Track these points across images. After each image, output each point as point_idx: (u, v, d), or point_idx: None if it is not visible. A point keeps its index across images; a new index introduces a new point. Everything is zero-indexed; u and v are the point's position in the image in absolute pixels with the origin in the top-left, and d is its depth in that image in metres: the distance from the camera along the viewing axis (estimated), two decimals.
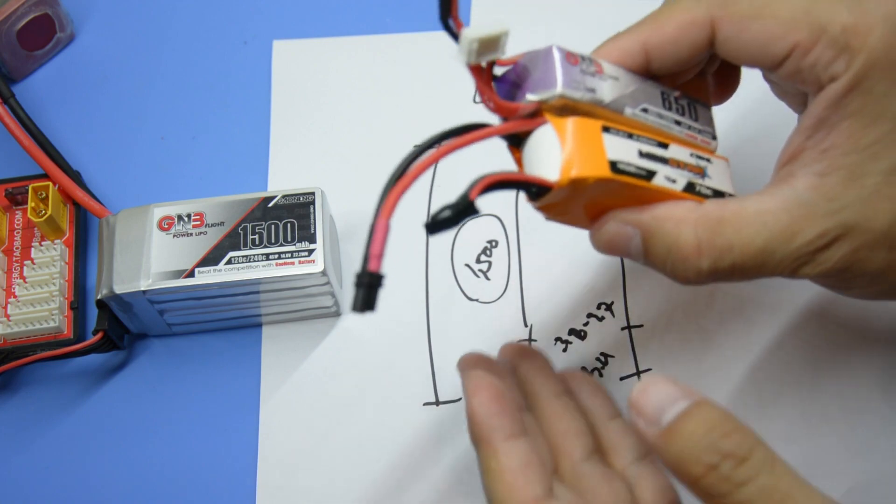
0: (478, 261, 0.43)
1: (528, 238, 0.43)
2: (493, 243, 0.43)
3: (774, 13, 0.29)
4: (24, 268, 0.41)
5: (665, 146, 0.30)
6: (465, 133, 0.30)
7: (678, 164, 0.30)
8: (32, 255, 0.42)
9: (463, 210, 0.28)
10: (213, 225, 0.39)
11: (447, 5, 0.27)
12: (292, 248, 0.38)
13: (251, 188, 0.43)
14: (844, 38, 0.28)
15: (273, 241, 0.38)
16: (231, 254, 0.38)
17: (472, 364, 0.33)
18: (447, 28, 0.28)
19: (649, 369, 0.40)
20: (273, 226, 0.39)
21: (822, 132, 0.29)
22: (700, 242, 0.29)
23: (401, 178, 0.29)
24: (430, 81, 0.47)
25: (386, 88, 0.47)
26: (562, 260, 0.42)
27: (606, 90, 0.29)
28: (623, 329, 0.41)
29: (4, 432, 0.40)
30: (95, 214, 0.42)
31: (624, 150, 0.29)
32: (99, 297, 0.38)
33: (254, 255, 0.38)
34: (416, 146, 0.29)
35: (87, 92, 0.48)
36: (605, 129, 0.29)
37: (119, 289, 0.38)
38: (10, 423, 0.40)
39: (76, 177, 0.44)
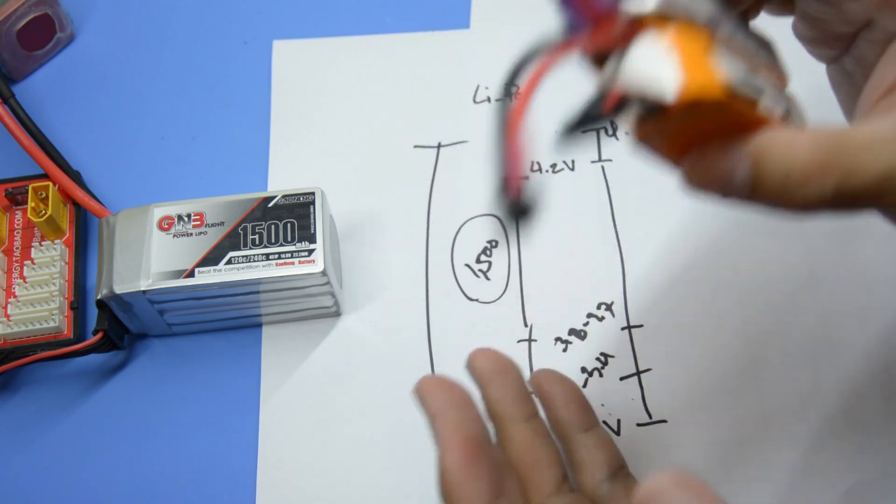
0: (478, 261, 0.43)
1: (528, 238, 0.43)
2: (493, 243, 0.43)
3: None
4: (24, 268, 0.41)
5: (757, 71, 0.27)
6: (555, 49, 0.26)
7: (776, 90, 0.27)
8: (32, 255, 0.42)
9: (594, 117, 0.25)
10: (213, 225, 0.39)
11: None
12: (292, 248, 0.38)
13: (251, 188, 0.43)
14: None
15: (273, 241, 0.38)
16: (231, 254, 0.38)
17: (434, 392, 0.31)
18: None
19: (649, 369, 0.40)
20: (273, 226, 0.39)
21: None
22: (824, 163, 0.25)
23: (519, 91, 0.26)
24: (430, 81, 0.47)
25: (386, 88, 0.47)
26: (562, 260, 0.42)
27: (701, 4, 0.25)
28: (623, 329, 0.41)
29: (4, 432, 0.40)
30: (95, 214, 0.42)
31: (734, 70, 0.25)
32: (99, 297, 0.38)
33: (254, 255, 0.38)
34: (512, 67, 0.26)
35: (87, 92, 0.48)
36: (712, 47, 0.25)
37: (119, 289, 0.38)
38: (10, 423, 0.40)
39: (76, 177, 0.44)
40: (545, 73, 0.26)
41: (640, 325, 0.41)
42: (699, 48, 0.25)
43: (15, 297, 0.41)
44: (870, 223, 0.32)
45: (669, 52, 0.24)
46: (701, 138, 0.26)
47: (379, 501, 0.38)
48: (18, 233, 0.43)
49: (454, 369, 0.40)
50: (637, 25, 0.25)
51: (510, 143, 0.25)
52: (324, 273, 0.38)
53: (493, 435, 0.33)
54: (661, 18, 0.25)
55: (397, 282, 0.42)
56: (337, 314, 0.42)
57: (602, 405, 0.39)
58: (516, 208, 0.25)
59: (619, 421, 0.39)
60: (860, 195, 0.26)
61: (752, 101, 0.25)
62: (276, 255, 0.38)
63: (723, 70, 0.24)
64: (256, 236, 0.38)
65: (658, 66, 0.24)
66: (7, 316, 0.40)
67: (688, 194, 0.28)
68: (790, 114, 0.27)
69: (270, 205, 0.39)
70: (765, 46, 0.29)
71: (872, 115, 0.27)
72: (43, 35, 0.48)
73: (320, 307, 0.41)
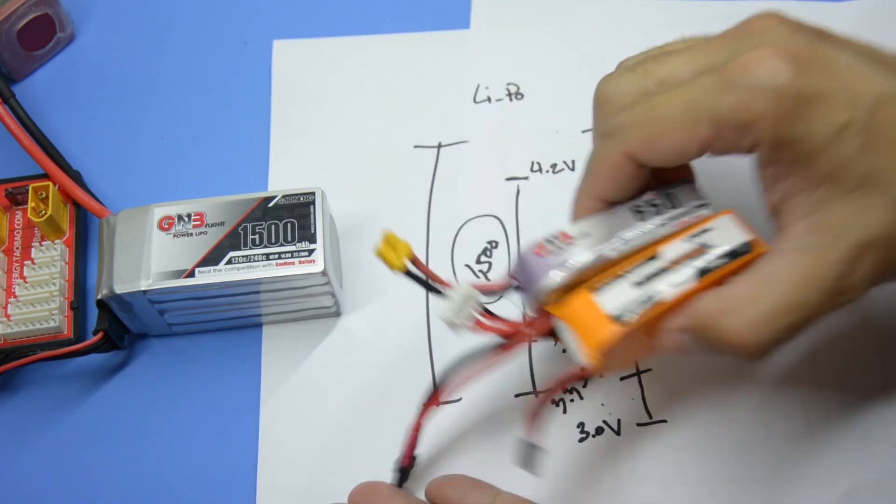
0: (478, 261, 0.43)
1: (528, 238, 0.43)
2: (493, 243, 0.43)
3: (670, 127, 0.31)
4: (24, 268, 0.41)
5: (655, 256, 0.32)
6: (501, 349, 0.33)
7: (677, 262, 0.31)
8: (32, 255, 0.42)
9: (531, 457, 0.33)
10: (213, 225, 0.39)
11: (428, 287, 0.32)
12: (292, 248, 0.38)
13: (251, 188, 0.43)
14: (736, 121, 0.29)
15: (273, 241, 0.38)
16: (231, 254, 0.38)
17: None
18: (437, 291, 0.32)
19: (649, 369, 0.40)
20: (273, 226, 0.39)
21: (782, 184, 0.31)
22: (738, 327, 0.30)
23: (430, 398, 0.35)
24: (430, 81, 0.47)
25: (386, 88, 0.47)
26: None
27: (580, 252, 0.31)
28: None
29: (4, 432, 0.40)
30: (95, 214, 0.42)
31: (620, 296, 0.31)
32: (99, 297, 0.38)
33: (254, 255, 0.38)
34: (445, 369, 0.34)
35: (87, 92, 0.48)
36: (595, 290, 0.31)
37: (119, 289, 0.38)
38: (10, 423, 0.40)
39: (76, 177, 0.44)
40: (469, 380, 0.33)
41: None
42: (584, 307, 0.31)
43: (15, 297, 0.41)
44: None
45: (567, 327, 0.31)
46: (651, 333, 0.32)
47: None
48: (18, 233, 0.43)
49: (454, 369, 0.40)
50: (545, 312, 0.32)
51: (412, 434, 0.35)
52: (324, 273, 0.38)
53: None
54: (557, 295, 0.31)
55: (397, 282, 0.42)
56: (337, 314, 0.42)
57: (602, 405, 0.39)
58: (403, 471, 0.36)
59: (619, 421, 0.39)
60: (794, 328, 0.30)
61: (649, 309, 0.30)
62: (277, 255, 0.38)
63: (608, 312, 0.30)
64: (256, 236, 0.38)
65: (570, 341, 0.32)
66: (7, 316, 0.40)
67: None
68: (705, 270, 0.31)
69: (270, 205, 0.39)
70: (674, 200, 0.33)
71: (775, 241, 0.31)
72: (43, 35, 0.48)
73: (320, 307, 0.41)
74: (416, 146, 0.46)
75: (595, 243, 0.32)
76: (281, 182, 0.45)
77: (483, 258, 0.43)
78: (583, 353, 0.31)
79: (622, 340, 0.30)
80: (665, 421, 0.39)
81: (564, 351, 0.40)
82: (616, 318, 0.30)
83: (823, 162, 0.30)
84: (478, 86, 0.47)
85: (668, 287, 0.31)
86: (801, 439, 0.38)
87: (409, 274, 0.32)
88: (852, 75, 0.30)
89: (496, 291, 0.33)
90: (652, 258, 0.31)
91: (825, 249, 0.30)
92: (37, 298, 0.41)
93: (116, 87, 0.48)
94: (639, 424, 0.39)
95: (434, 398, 0.34)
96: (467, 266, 0.43)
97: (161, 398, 0.40)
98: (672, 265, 0.31)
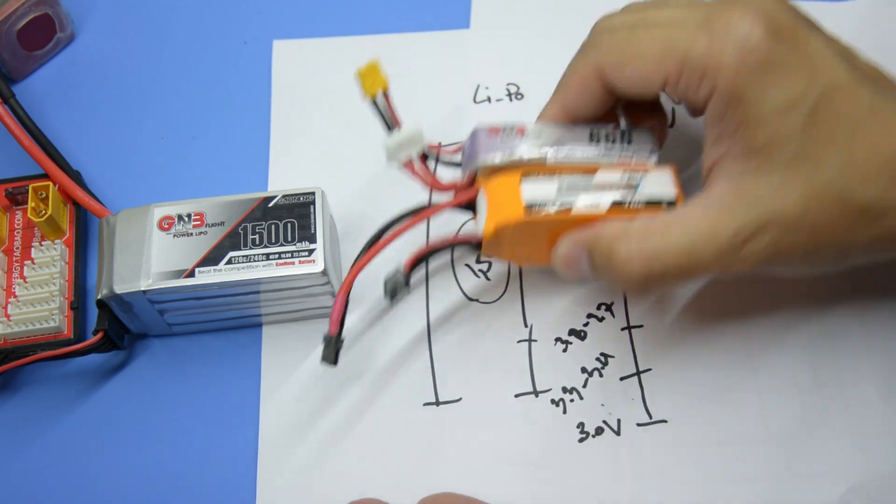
0: (478, 261, 0.43)
1: None
2: None
3: (643, 53, 0.34)
4: (24, 268, 0.41)
5: (591, 174, 0.35)
6: (419, 213, 0.37)
7: (604, 187, 0.35)
8: (32, 255, 0.42)
9: (396, 288, 0.36)
10: (213, 225, 0.39)
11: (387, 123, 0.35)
12: (292, 248, 0.38)
13: (251, 188, 0.43)
14: (702, 64, 0.32)
15: (273, 241, 0.38)
16: (231, 254, 0.38)
17: None
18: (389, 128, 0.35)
19: (649, 369, 0.40)
20: (273, 226, 0.39)
21: (723, 144, 0.33)
22: (630, 252, 0.33)
23: (358, 260, 0.36)
24: (430, 81, 0.47)
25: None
26: None
27: (526, 147, 0.36)
28: (623, 329, 0.41)
29: (4, 432, 0.40)
30: (95, 214, 0.42)
31: (541, 192, 0.34)
32: (99, 297, 0.38)
33: (254, 255, 0.38)
34: (373, 235, 0.37)
35: (87, 92, 0.48)
36: (525, 179, 0.35)
37: (119, 289, 0.38)
38: (10, 423, 0.40)
39: (76, 177, 0.44)
40: (391, 242, 0.36)
41: (640, 326, 0.41)
42: (507, 188, 0.35)
43: (15, 296, 0.41)
44: None
45: (484, 201, 0.35)
46: (551, 241, 0.35)
47: None
48: (18, 233, 0.43)
49: (454, 369, 0.40)
50: (475, 182, 0.36)
51: (339, 297, 0.36)
52: (324, 273, 0.38)
53: None
54: (489, 173, 0.36)
55: None
56: None
57: (602, 405, 0.39)
58: (333, 345, 0.36)
59: (619, 421, 0.39)
60: (671, 273, 0.33)
61: (560, 212, 0.34)
62: (277, 255, 0.38)
63: (524, 199, 0.34)
64: (256, 236, 0.38)
65: (481, 211, 0.35)
66: (7, 316, 0.40)
67: (563, 277, 0.36)
68: (623, 203, 0.35)
69: (270, 205, 0.39)
70: (628, 139, 0.37)
71: (696, 195, 0.33)
72: (43, 35, 0.48)
73: (320, 307, 0.41)
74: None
75: (542, 144, 0.36)
76: (281, 182, 0.45)
77: (483, 258, 0.43)
78: (483, 224, 0.35)
79: (522, 228, 0.34)
80: (665, 421, 0.39)
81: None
82: (527, 207, 0.34)
83: (764, 130, 0.32)
84: (478, 86, 0.47)
85: (584, 203, 0.34)
86: (801, 439, 0.38)
87: (374, 105, 0.34)
88: (818, 59, 0.32)
89: (452, 155, 0.38)
90: (586, 173, 0.35)
91: (731, 214, 0.32)
92: (37, 298, 0.41)
93: (116, 87, 0.48)
94: (639, 424, 0.39)
95: (366, 257, 0.36)
96: (467, 266, 0.43)
97: (161, 398, 0.40)
98: (598, 188, 0.35)
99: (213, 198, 0.39)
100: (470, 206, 0.37)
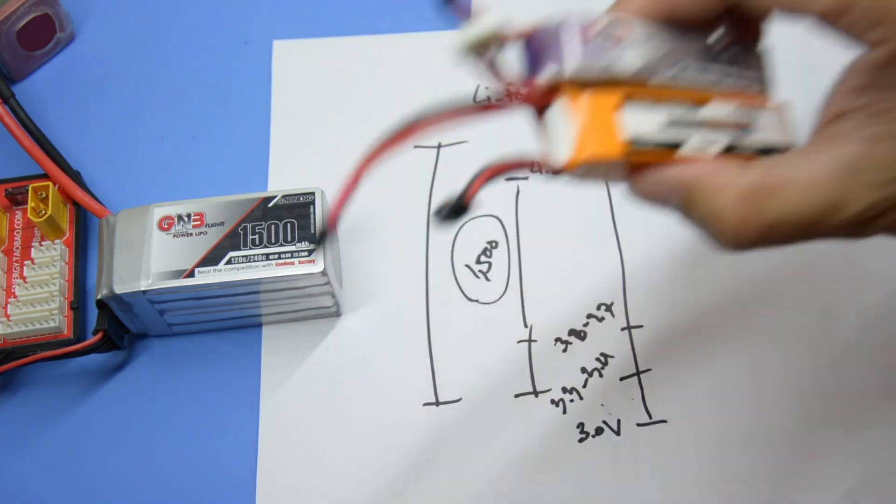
0: (478, 261, 0.43)
1: (528, 238, 0.43)
2: (493, 244, 0.43)
3: None
4: (24, 268, 0.41)
5: (701, 106, 0.29)
6: (483, 107, 0.29)
7: (717, 125, 0.29)
8: (32, 255, 0.42)
9: (460, 209, 0.28)
10: (213, 225, 0.39)
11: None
12: (292, 248, 0.38)
13: (251, 188, 0.43)
14: (878, 7, 0.26)
15: (273, 241, 0.38)
16: (231, 254, 0.38)
17: None
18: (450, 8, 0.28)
19: (649, 369, 0.40)
20: (273, 226, 0.39)
21: (871, 94, 0.27)
22: (745, 216, 0.27)
23: (396, 136, 0.30)
24: (430, 81, 0.47)
25: (386, 88, 0.47)
26: (562, 261, 0.42)
27: (629, 59, 0.27)
28: (623, 329, 0.41)
29: (4, 432, 0.40)
30: (95, 214, 0.42)
31: (646, 123, 0.27)
32: (99, 297, 0.38)
33: (254, 255, 0.38)
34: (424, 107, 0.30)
35: (87, 92, 0.48)
36: (631, 100, 0.27)
37: (119, 289, 0.38)
38: (10, 423, 0.40)
39: (76, 177, 0.44)
40: (438, 123, 0.29)
41: (640, 326, 0.41)
42: (603, 111, 0.27)
43: (15, 297, 0.41)
44: None
45: (569, 117, 0.27)
46: (639, 168, 0.28)
47: (379, 501, 0.38)
48: (18, 233, 0.43)
49: (454, 369, 0.40)
50: (555, 90, 0.28)
51: (347, 185, 0.30)
52: (324, 273, 0.38)
53: None
54: (577, 82, 0.27)
55: (397, 282, 0.42)
56: (337, 314, 0.42)
57: (602, 405, 0.39)
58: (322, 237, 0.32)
59: (619, 421, 0.39)
60: (786, 239, 0.27)
61: (665, 151, 0.27)
62: (276, 255, 0.38)
63: (623, 131, 0.27)
64: (256, 236, 0.38)
65: (560, 130, 0.27)
66: (7, 316, 0.40)
67: (633, 201, 0.30)
68: (736, 147, 0.28)
69: (270, 205, 0.39)
70: (745, 63, 0.30)
71: (818, 140, 0.28)
72: (43, 35, 0.48)
73: (320, 307, 0.41)
74: (416, 146, 0.46)
75: (649, 55, 0.28)
76: (281, 182, 0.45)
77: (483, 258, 0.43)
78: (566, 152, 0.27)
79: (620, 162, 0.28)
80: (665, 421, 0.39)
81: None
82: (629, 143, 0.27)
83: None
84: (478, 86, 0.47)
85: (694, 143, 0.28)
86: (801, 439, 0.38)
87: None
88: None
89: (524, 36, 0.28)
90: (699, 105, 0.29)
91: (866, 184, 0.27)
92: (37, 298, 0.41)
93: (116, 87, 0.48)
94: (639, 424, 0.39)
95: (399, 136, 0.30)
96: (467, 266, 0.43)
97: (161, 398, 0.40)
98: (711, 125, 0.28)
99: (213, 198, 0.39)
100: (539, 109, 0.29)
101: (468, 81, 0.47)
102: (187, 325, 0.41)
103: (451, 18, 0.28)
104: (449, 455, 0.38)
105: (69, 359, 0.40)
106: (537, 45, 0.28)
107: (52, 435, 0.40)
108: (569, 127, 0.27)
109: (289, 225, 0.39)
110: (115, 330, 0.39)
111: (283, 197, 0.39)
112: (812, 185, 0.27)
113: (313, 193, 0.39)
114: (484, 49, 0.27)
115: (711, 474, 0.38)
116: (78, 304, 0.41)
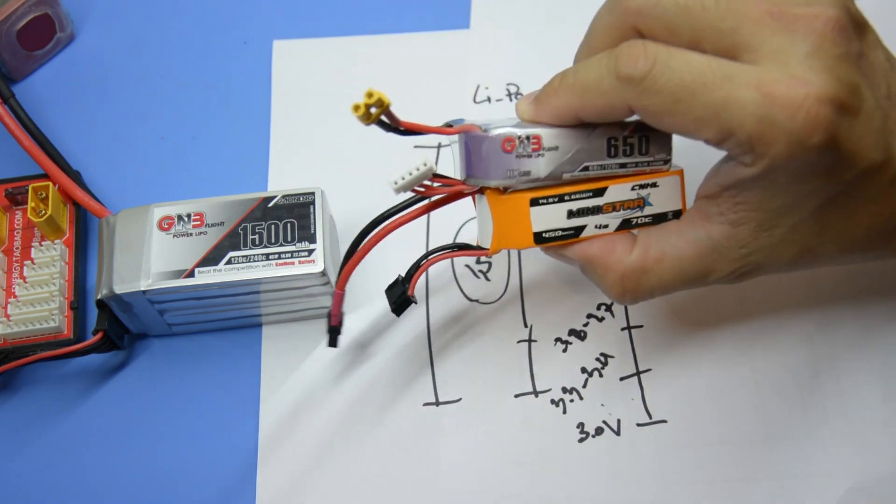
0: (478, 261, 0.43)
1: None
2: None
3: (687, 109, 0.30)
4: (24, 268, 0.41)
5: (602, 193, 0.34)
6: (411, 206, 0.35)
7: (613, 208, 0.34)
8: (32, 255, 0.42)
9: (405, 302, 0.36)
10: (213, 225, 0.39)
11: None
12: (292, 248, 0.38)
13: (251, 188, 0.43)
14: (750, 143, 0.29)
15: (273, 241, 0.38)
16: (231, 254, 0.38)
17: None
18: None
19: (649, 369, 0.40)
20: (273, 226, 0.39)
21: (736, 190, 0.32)
22: (624, 291, 0.33)
23: (352, 256, 0.35)
24: (430, 81, 0.47)
25: (386, 88, 0.47)
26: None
27: (542, 166, 0.33)
28: (623, 329, 0.41)
29: (4, 432, 0.40)
30: (95, 214, 0.42)
31: (551, 217, 0.33)
32: (99, 297, 0.38)
33: (254, 255, 0.38)
34: (362, 228, 0.35)
35: (87, 92, 0.48)
36: (534, 202, 0.33)
37: (119, 289, 0.38)
38: (10, 423, 0.40)
39: (76, 177, 0.44)
40: (385, 236, 0.35)
41: (640, 326, 0.41)
42: (517, 210, 0.33)
43: (15, 297, 0.41)
44: None
45: (491, 215, 0.34)
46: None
47: (378, 501, 0.38)
48: (18, 233, 0.43)
49: (454, 369, 0.40)
50: (482, 189, 0.34)
51: (336, 293, 0.36)
52: (324, 273, 0.38)
53: None
54: (498, 189, 0.33)
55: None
56: None
57: (602, 405, 0.39)
58: (331, 329, 0.38)
59: (619, 421, 0.39)
60: (665, 294, 0.34)
61: (567, 237, 0.34)
62: (276, 255, 0.38)
63: (534, 228, 0.33)
64: (256, 236, 0.38)
65: (486, 221, 0.34)
66: (7, 316, 0.40)
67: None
68: (630, 222, 0.34)
69: (270, 205, 0.39)
70: (645, 147, 0.34)
71: (692, 215, 0.34)
72: (43, 35, 0.48)
73: (320, 307, 0.41)
74: (415, 146, 0.46)
75: (558, 160, 0.33)
76: (281, 182, 0.45)
77: (483, 258, 0.43)
78: (489, 241, 0.34)
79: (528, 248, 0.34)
80: (665, 421, 0.39)
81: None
82: (537, 235, 0.33)
83: (785, 200, 0.31)
84: (478, 86, 0.47)
85: (593, 228, 0.34)
86: (801, 439, 0.38)
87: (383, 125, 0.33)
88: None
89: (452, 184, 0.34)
90: (597, 193, 0.34)
91: (728, 259, 0.33)
92: (37, 298, 0.41)
93: (116, 87, 0.48)
94: (639, 424, 0.39)
95: (359, 254, 0.35)
96: (467, 266, 0.43)
97: (161, 398, 0.40)
98: (608, 208, 0.34)
99: (213, 198, 0.39)
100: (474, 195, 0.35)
101: (468, 82, 0.47)
102: (187, 325, 0.41)
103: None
104: (449, 455, 0.38)
105: (69, 359, 0.40)
106: (470, 148, 0.33)
107: (52, 435, 0.40)
108: (490, 221, 0.34)
109: (289, 225, 0.39)
110: (115, 330, 0.39)
111: (283, 197, 0.39)
112: (683, 260, 0.33)
113: (313, 193, 0.39)
114: (412, 185, 0.33)
115: (711, 474, 0.38)
116: (78, 304, 0.41)
